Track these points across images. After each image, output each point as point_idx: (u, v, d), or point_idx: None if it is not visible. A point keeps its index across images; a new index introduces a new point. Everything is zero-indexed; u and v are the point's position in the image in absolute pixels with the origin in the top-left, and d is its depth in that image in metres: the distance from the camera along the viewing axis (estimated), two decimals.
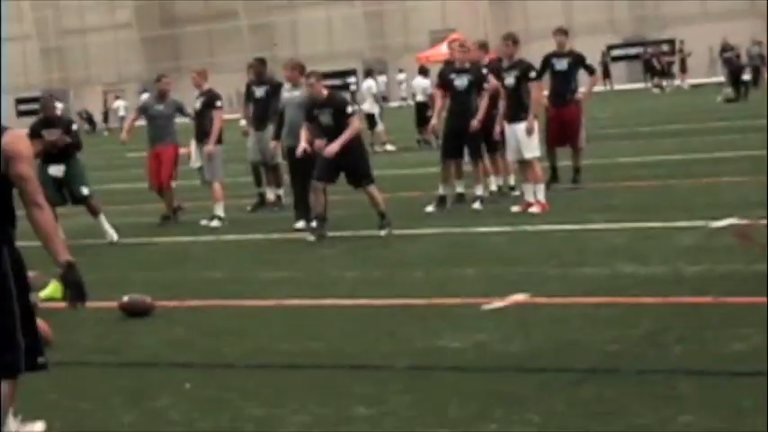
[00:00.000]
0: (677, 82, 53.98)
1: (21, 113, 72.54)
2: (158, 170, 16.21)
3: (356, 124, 13.26)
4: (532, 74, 14.55)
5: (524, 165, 14.39)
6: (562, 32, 16.95)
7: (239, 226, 15.27)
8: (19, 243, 5.44)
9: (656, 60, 53.71)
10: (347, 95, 14.85)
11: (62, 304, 10.08)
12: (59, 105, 15.89)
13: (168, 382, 7.23)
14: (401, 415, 6.15)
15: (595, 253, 10.87)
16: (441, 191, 15.13)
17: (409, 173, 21.38)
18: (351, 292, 9.85)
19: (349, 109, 13.28)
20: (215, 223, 15.39)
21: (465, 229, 13.20)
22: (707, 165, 18.07)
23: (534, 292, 9.09)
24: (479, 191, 14.96)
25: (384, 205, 13.16)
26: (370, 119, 28.17)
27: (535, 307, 8.66)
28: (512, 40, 14.74)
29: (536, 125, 14.39)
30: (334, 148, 12.90)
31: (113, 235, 14.43)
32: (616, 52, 61.30)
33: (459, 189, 15.49)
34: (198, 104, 16.01)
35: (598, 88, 56.06)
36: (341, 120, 13.08)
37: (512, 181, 16.10)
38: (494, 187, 15.67)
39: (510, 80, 14.48)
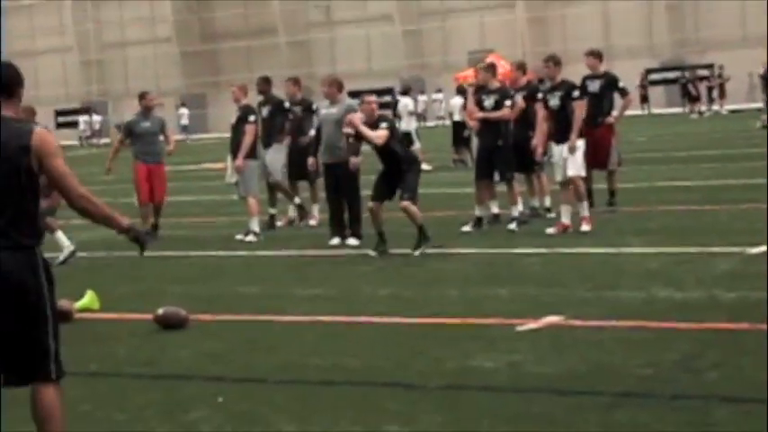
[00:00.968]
0: (715, 107, 53.72)
1: (60, 125, 73.21)
2: (152, 187, 16.55)
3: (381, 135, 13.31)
4: (576, 93, 14.53)
5: (565, 185, 14.38)
6: (593, 55, 16.78)
7: (274, 241, 15.31)
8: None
9: (692, 86, 53.46)
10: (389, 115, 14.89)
11: (97, 315, 10.17)
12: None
13: (201, 396, 7.26)
14: None
15: (631, 276, 10.82)
16: (477, 212, 15.11)
17: (444, 192, 21.37)
18: (384, 310, 9.84)
19: (384, 125, 13.41)
20: (250, 238, 15.43)
21: (500, 250, 13.18)
22: (744, 191, 17.96)
23: (569, 315, 9.07)
24: (515, 212, 14.93)
25: (421, 220, 13.16)
26: (407, 137, 28.16)
27: (569, 329, 8.63)
28: (553, 61, 14.74)
29: (581, 144, 14.36)
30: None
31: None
32: (654, 76, 61.06)
33: (495, 209, 15.47)
34: (233, 119, 16.10)
35: (636, 112, 56.25)
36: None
37: (548, 202, 16.07)
38: (521, 207, 15.56)
39: (555, 101, 14.46)
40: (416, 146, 28.95)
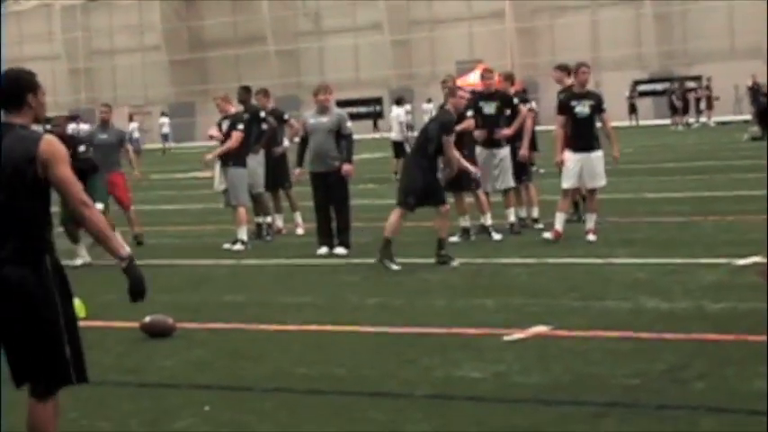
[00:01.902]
0: (703, 119, 53.86)
1: (48, 132, 72.95)
2: (113, 197, 16.73)
3: None
4: (604, 105, 14.60)
5: (567, 194, 14.50)
6: (559, 69, 15.96)
7: (261, 250, 15.30)
8: None
9: (677, 98, 53.60)
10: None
11: (83, 323, 10.14)
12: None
13: (187, 404, 7.24)
14: None
15: (618, 287, 10.84)
16: (461, 222, 15.11)
17: None
18: (371, 319, 9.84)
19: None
20: (237, 247, 15.42)
21: (487, 260, 13.19)
22: (732, 202, 18.01)
23: (555, 325, 9.07)
24: (488, 220, 15.03)
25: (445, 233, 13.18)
26: (398, 146, 28.19)
27: (556, 339, 8.64)
28: (588, 68, 14.75)
29: (599, 155, 14.45)
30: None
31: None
32: (643, 87, 61.25)
33: (483, 220, 15.49)
34: (224, 127, 16.08)
35: (624, 123, 56.39)
36: None
37: (535, 213, 16.09)
38: (513, 218, 15.61)
39: (583, 109, 14.42)
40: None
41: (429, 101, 59.04)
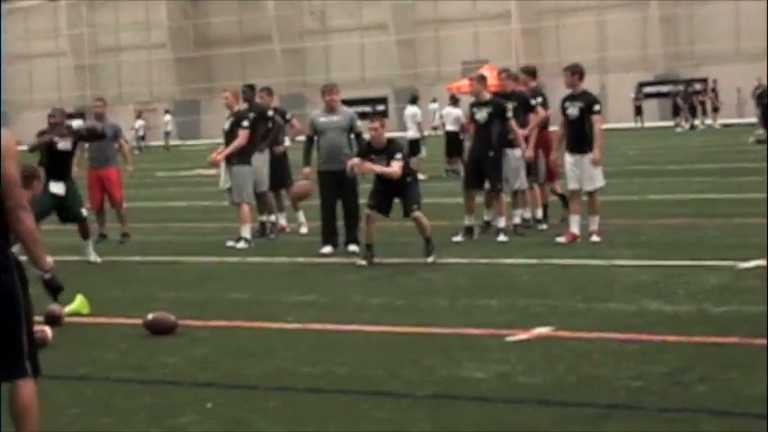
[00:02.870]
0: (708, 121, 53.82)
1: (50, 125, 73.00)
2: (100, 192, 16.78)
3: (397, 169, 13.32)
4: (597, 107, 14.52)
5: (574, 195, 14.44)
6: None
7: (265, 248, 15.31)
8: None
9: (681, 100, 53.56)
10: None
11: (87, 319, 10.16)
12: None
13: (190, 401, 7.25)
14: None
15: (621, 289, 10.84)
16: (466, 221, 15.13)
17: (436, 202, 21.36)
18: (375, 319, 9.85)
19: (398, 155, 13.34)
20: (241, 245, 15.42)
21: (491, 260, 13.20)
22: (736, 205, 18.00)
23: (559, 326, 9.08)
24: (501, 223, 14.95)
25: (430, 231, 13.19)
26: (413, 145, 28.30)
27: (559, 340, 8.65)
28: (575, 71, 14.66)
29: (590, 157, 14.39)
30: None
31: (97, 258, 14.57)
32: (648, 89, 61.22)
33: (486, 217, 15.50)
34: (227, 125, 16.08)
35: (629, 125, 56.37)
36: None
37: (539, 213, 16.09)
38: (518, 219, 15.62)
39: (573, 111, 14.44)
40: (422, 154, 29.05)
41: (434, 101, 59.10)
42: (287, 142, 17.53)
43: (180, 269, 14.00)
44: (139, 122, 63.66)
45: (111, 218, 17.11)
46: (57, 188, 14.35)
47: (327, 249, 14.37)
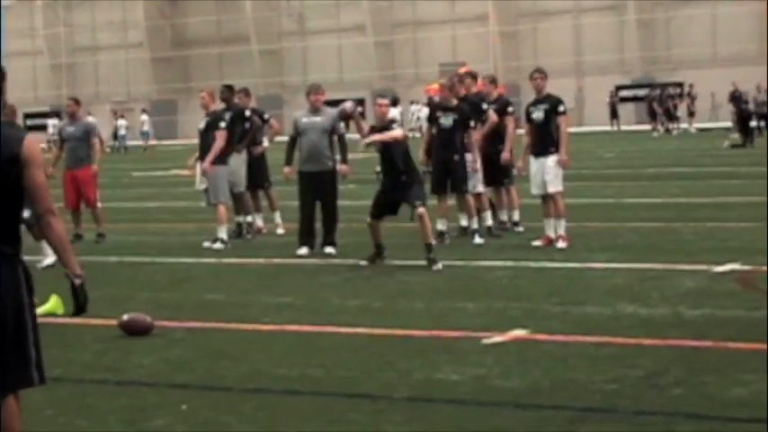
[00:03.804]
0: (684, 125, 54.03)
1: (29, 128, 72.79)
2: (75, 192, 16.73)
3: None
4: (561, 108, 14.48)
5: (546, 199, 14.40)
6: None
7: (242, 250, 15.28)
8: None
9: (657, 104, 53.77)
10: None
11: (62, 320, 10.09)
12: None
13: (165, 403, 7.23)
14: None
15: (597, 292, 10.87)
16: (438, 225, 15.00)
17: None
18: (351, 321, 9.84)
19: (396, 125, 13.68)
20: (218, 246, 15.38)
21: (467, 263, 13.20)
22: (711, 209, 18.09)
23: (534, 329, 9.09)
24: (474, 224, 14.96)
25: (431, 237, 13.15)
26: None
27: (535, 343, 8.66)
28: (542, 74, 14.66)
29: (553, 159, 14.33)
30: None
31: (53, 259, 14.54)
32: (624, 93, 61.45)
33: (463, 222, 15.49)
34: (202, 125, 16.02)
35: (605, 128, 56.55)
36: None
37: (516, 216, 16.09)
38: (490, 222, 15.61)
39: (539, 114, 14.43)
40: None
41: (412, 102, 59.06)
42: (265, 143, 17.50)
43: (156, 270, 13.95)
44: (121, 122, 63.44)
45: (87, 218, 17.05)
46: None
47: (304, 251, 14.35)
